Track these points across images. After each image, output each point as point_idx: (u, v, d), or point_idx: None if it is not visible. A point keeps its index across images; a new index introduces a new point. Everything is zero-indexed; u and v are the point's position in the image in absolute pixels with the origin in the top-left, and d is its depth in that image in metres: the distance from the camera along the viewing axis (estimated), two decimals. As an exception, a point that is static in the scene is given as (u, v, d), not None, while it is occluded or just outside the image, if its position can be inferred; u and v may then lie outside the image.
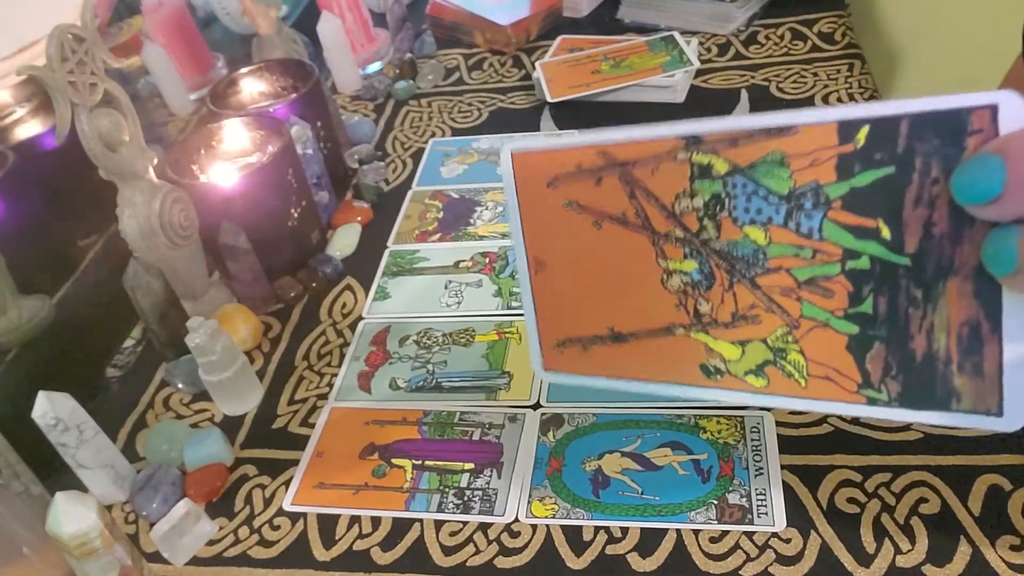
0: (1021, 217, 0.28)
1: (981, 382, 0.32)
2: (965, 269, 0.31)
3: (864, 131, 0.31)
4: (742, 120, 0.33)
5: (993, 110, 0.28)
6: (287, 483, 0.52)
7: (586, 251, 0.39)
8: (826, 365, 0.35)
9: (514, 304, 0.62)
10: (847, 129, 0.31)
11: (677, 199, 0.36)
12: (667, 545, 0.45)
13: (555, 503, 0.48)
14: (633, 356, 0.40)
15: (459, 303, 0.63)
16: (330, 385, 0.59)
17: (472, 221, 0.71)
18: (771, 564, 0.43)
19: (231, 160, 0.68)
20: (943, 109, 0.29)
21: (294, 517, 0.50)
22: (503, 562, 0.46)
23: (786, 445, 0.48)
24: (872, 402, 0.35)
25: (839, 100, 0.75)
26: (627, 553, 0.45)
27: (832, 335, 0.35)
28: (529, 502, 0.48)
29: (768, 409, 0.47)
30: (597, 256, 0.39)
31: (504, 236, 0.68)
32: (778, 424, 0.49)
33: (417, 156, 0.81)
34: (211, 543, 0.50)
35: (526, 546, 0.46)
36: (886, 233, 0.32)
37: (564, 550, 0.46)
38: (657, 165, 0.36)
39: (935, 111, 0.29)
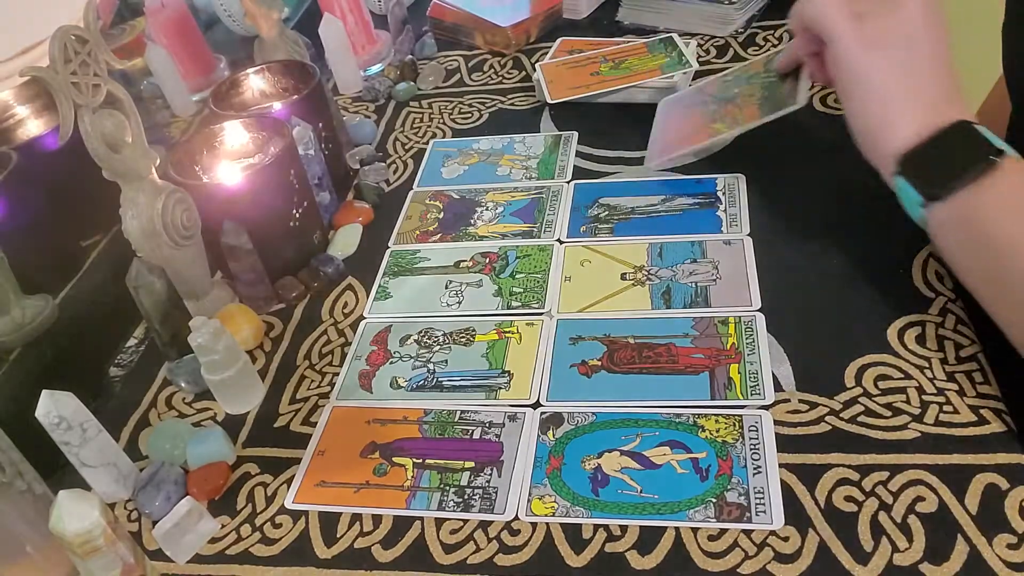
0: None
1: None
2: None
3: None
4: None
5: None
6: (289, 481, 0.53)
7: None
8: None
9: (514, 304, 0.62)
10: None
11: None
12: (666, 543, 0.45)
13: (555, 501, 0.48)
14: None
15: (459, 303, 0.63)
16: (331, 384, 0.59)
17: (472, 221, 0.71)
18: (769, 562, 0.43)
19: (233, 161, 0.68)
20: None
21: (296, 515, 0.51)
22: (503, 560, 0.46)
23: (784, 444, 0.49)
24: None
25: (836, 103, 0.76)
26: (626, 551, 0.45)
27: None
28: (529, 500, 0.49)
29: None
30: None
31: (503, 236, 0.69)
32: (776, 423, 0.50)
33: (418, 157, 0.81)
34: (213, 541, 0.50)
35: (526, 544, 0.47)
36: None
37: (564, 548, 0.46)
38: None
39: None
